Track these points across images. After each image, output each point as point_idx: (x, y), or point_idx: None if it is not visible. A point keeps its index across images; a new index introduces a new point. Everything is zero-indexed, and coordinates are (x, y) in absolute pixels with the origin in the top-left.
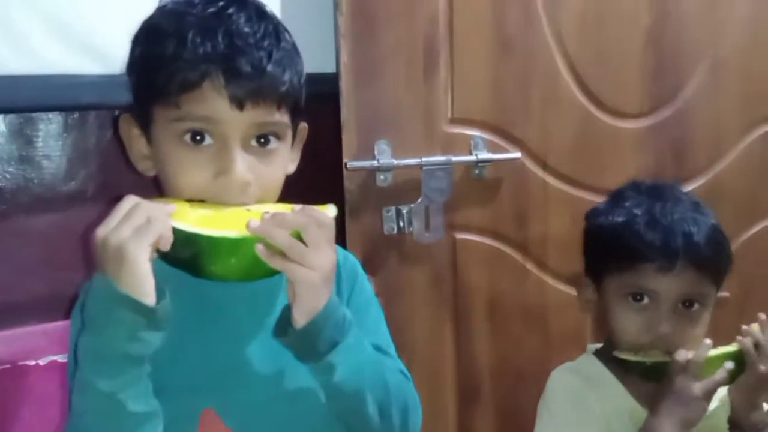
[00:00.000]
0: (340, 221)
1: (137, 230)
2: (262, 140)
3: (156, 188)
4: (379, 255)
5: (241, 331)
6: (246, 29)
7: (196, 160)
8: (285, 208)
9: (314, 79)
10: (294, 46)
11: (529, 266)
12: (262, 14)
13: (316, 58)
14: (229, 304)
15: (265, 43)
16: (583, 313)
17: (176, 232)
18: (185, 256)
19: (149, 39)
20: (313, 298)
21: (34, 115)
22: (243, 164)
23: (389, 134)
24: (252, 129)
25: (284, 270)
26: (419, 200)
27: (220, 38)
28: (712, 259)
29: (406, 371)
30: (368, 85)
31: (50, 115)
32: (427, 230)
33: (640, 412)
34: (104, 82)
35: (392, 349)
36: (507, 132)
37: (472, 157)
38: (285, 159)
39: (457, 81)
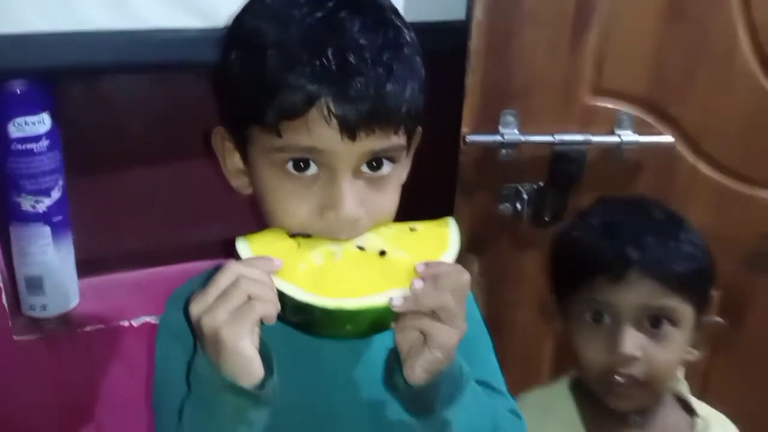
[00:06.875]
0: (449, 197)
1: (235, 313)
2: (374, 164)
3: (252, 208)
4: (488, 236)
5: (336, 372)
6: (362, 41)
7: (300, 191)
8: (398, 230)
9: (438, 29)
10: (415, 43)
11: None
12: (380, 16)
13: (443, 3)
14: (324, 343)
15: (385, 57)
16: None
17: (286, 298)
18: (295, 321)
19: (247, 45)
20: (445, 358)
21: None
22: (352, 199)
23: (518, 103)
24: (364, 157)
25: (428, 333)
26: (543, 182)
27: (330, 54)
28: (678, 270)
29: (517, 410)
30: (503, 42)
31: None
32: (547, 215)
33: None
34: (203, 37)
35: (502, 385)
36: (660, 109)
37: (615, 138)
38: (399, 180)
39: (611, 46)
